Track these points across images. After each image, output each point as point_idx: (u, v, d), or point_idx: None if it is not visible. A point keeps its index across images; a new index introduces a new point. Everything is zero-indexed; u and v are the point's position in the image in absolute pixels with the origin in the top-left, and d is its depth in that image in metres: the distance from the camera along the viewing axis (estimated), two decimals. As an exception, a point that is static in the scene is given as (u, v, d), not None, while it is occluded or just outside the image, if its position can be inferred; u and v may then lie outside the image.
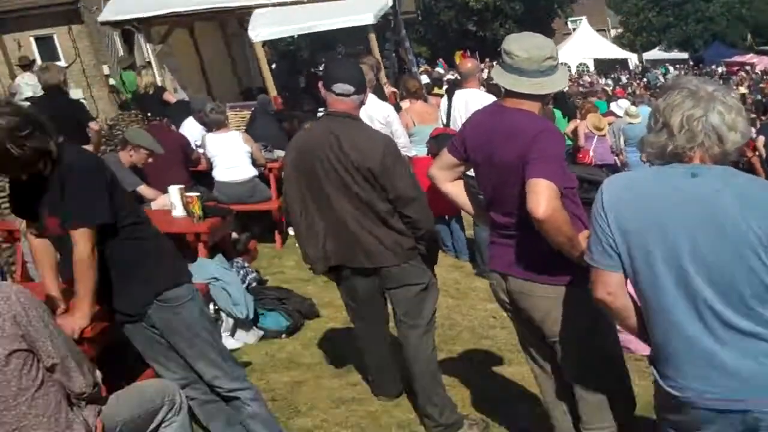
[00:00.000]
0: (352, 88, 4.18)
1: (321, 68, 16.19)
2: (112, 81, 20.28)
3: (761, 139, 12.70)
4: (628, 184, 2.59)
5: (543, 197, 3.07)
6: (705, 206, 2.38)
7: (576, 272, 3.16)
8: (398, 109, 9.34)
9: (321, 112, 11.56)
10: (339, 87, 4.18)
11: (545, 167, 3.15)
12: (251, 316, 5.93)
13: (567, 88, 13.59)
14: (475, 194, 3.81)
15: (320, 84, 4.32)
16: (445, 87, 14.57)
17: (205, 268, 5.84)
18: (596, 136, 11.94)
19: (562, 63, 3.65)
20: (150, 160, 7.15)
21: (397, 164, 4.16)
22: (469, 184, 3.84)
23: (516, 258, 3.48)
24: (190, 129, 9.42)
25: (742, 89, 28.71)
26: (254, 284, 6.58)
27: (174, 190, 6.53)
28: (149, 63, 14.13)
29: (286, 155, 4.53)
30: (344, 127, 4.17)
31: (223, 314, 5.77)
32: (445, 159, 3.71)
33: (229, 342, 5.52)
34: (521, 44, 3.39)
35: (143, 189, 7.23)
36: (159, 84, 12.76)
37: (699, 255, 2.39)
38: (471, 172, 3.74)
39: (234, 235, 7.88)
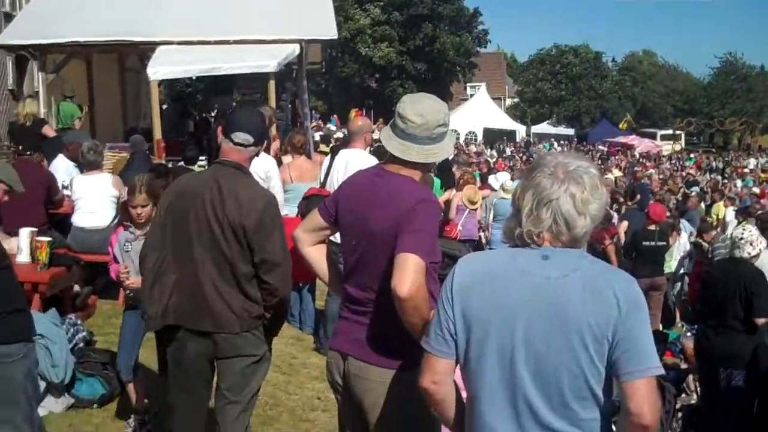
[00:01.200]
0: (252, 139, 4.09)
1: (213, 113, 16.04)
2: (-8, 108, 19.55)
3: (624, 224, 12.85)
4: (481, 265, 2.56)
5: (409, 275, 3.01)
6: (550, 291, 2.37)
7: (417, 356, 3.10)
8: (279, 163, 9.24)
9: (202, 160, 11.45)
10: (239, 136, 4.08)
11: (417, 241, 3.10)
12: (66, 381, 5.65)
13: (452, 156, 13.67)
14: (335, 262, 3.73)
15: (219, 129, 4.21)
16: (332, 145, 14.57)
17: (37, 323, 5.54)
18: (467, 210, 11.61)
19: (451, 129, 3.63)
20: (6, 198, 6.82)
21: (275, 227, 4.05)
22: (331, 251, 3.77)
23: (362, 337, 3.38)
24: (59, 166, 9.10)
25: (617, 172, 29.84)
26: (81, 345, 6.28)
27: (25, 233, 6.25)
28: (37, 92, 13.70)
29: (163, 198, 4.36)
30: (230, 177, 4.05)
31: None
32: (313, 220, 3.61)
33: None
34: (416, 108, 3.35)
35: None
36: (42, 116, 12.33)
37: (531, 342, 2.37)
38: (334, 238, 3.67)
39: (76, 287, 7.53)
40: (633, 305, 2.36)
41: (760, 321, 6.54)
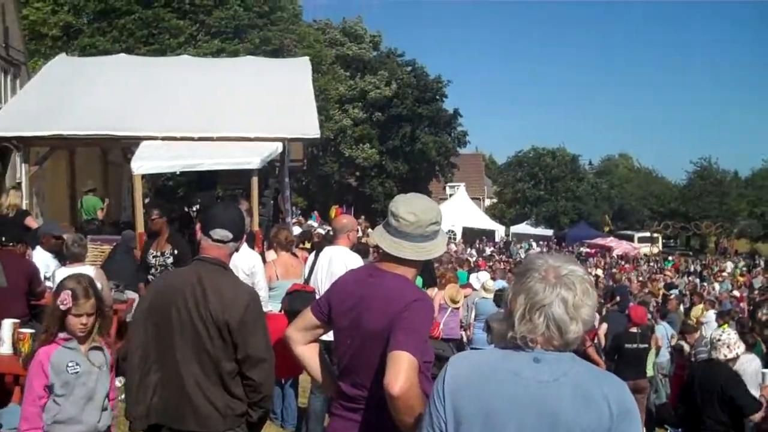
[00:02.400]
0: (230, 235, 4.10)
1: (195, 208, 16.05)
2: (-26, 199, 19.50)
3: (604, 326, 12.87)
4: (472, 365, 2.55)
5: (402, 373, 3.00)
6: (541, 395, 2.36)
7: None
8: (262, 259, 9.23)
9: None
10: (217, 233, 4.09)
11: (410, 340, 3.10)
12: None
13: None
14: (326, 362, 3.71)
15: (198, 226, 4.22)
16: (313, 241, 14.58)
17: (15, 416, 5.38)
18: (450, 309, 11.56)
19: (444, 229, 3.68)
20: None
21: (258, 323, 4.03)
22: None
23: None
24: (38, 258, 9.06)
25: (599, 271, 30.06)
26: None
27: (7, 324, 6.16)
28: (20, 184, 13.72)
29: (144, 297, 4.37)
30: (212, 275, 4.04)
31: None
32: (306, 319, 3.62)
33: None
34: (409, 207, 3.40)
35: None
36: (24, 207, 12.32)
37: None
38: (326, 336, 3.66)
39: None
40: (625, 410, 2.36)
41: (756, 417, 6.54)
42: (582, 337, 2.54)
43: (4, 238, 8.87)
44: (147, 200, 16.62)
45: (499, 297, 11.71)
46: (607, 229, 54.88)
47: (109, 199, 15.12)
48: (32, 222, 11.67)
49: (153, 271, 8.58)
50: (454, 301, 11.57)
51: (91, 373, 4.40)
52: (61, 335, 4.39)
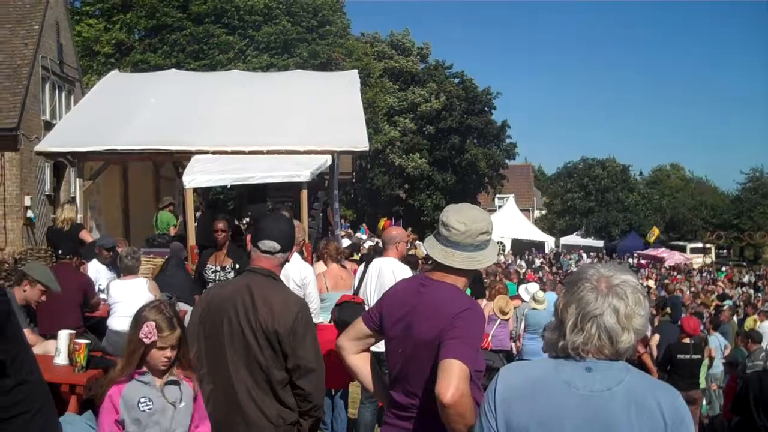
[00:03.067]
0: (278, 246, 4.14)
1: (245, 221, 16.21)
2: (30, 213, 19.98)
3: (656, 337, 12.72)
4: (524, 376, 2.54)
5: (453, 380, 3.02)
6: (594, 405, 2.36)
7: None
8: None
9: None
10: (265, 244, 4.14)
11: (462, 348, 3.12)
12: None
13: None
14: (377, 371, 3.75)
15: (248, 238, 4.29)
16: (362, 253, 14.63)
17: (71, 426, 5.47)
18: (499, 320, 11.39)
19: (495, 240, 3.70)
20: (44, 298, 6.90)
21: (308, 332, 4.06)
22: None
23: None
24: (94, 270, 9.22)
25: (651, 282, 29.63)
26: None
27: (64, 335, 6.27)
28: (74, 198, 13.99)
29: (195, 308, 4.40)
30: (261, 285, 4.09)
31: None
32: (357, 329, 3.66)
33: None
34: (460, 217, 3.43)
35: (25, 333, 6.88)
36: (79, 221, 12.57)
37: None
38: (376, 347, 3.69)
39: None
40: (679, 419, 2.35)
41: None
42: (634, 346, 2.52)
43: (60, 252, 9.08)
44: (198, 213, 16.86)
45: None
46: (652, 239, 53.94)
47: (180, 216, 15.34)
48: (87, 235, 11.89)
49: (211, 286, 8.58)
50: (503, 312, 11.46)
51: (166, 411, 3.86)
52: (142, 370, 3.88)
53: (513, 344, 12.98)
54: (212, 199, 19.40)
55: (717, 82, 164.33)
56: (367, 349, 3.71)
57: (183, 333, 3.91)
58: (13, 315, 3.44)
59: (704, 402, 12.37)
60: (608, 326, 2.41)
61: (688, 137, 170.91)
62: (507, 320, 11.66)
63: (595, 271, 2.52)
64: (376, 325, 3.58)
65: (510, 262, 34.47)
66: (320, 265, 9.24)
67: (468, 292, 11.28)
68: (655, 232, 54.67)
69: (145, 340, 3.77)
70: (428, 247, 3.53)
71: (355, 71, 19.38)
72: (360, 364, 3.69)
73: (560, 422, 2.37)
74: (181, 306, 8.49)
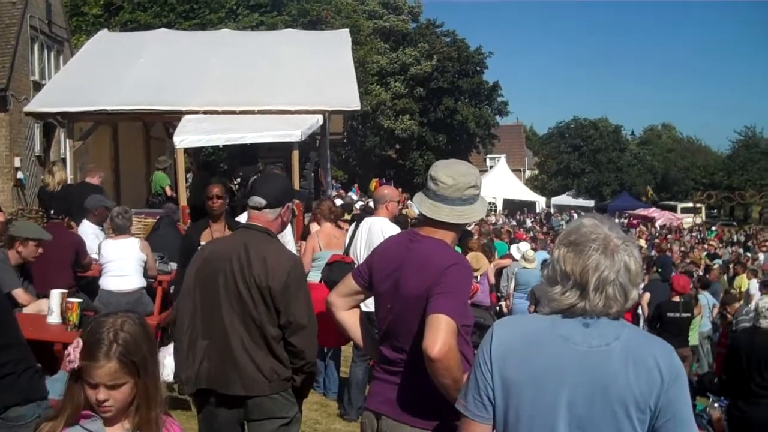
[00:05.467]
0: (263, 202, 4.18)
1: (237, 181, 16.18)
2: (20, 174, 19.88)
3: (647, 296, 12.81)
4: (520, 331, 2.54)
5: (441, 335, 3.04)
6: (592, 360, 2.38)
7: (450, 417, 3.08)
8: (307, 231, 9.28)
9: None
10: (252, 200, 4.21)
11: (449, 303, 3.14)
12: None
13: (473, 226, 13.69)
14: (367, 327, 3.77)
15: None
16: (353, 213, 14.64)
17: (60, 383, 5.50)
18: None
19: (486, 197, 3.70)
20: (40, 250, 6.90)
21: (300, 289, 4.10)
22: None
23: (395, 397, 3.41)
24: (86, 231, 9.20)
25: (642, 242, 29.76)
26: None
27: (56, 294, 6.27)
28: (64, 159, 13.94)
29: (192, 262, 4.41)
30: (256, 241, 4.14)
31: None
32: (347, 285, 3.68)
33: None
34: (448, 171, 3.44)
35: (18, 293, 6.82)
36: (70, 182, 12.51)
37: (574, 411, 2.36)
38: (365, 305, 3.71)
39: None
40: (674, 375, 2.37)
41: None
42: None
43: (52, 211, 9.07)
44: (189, 174, 16.82)
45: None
46: (646, 200, 54.02)
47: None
48: (95, 179, 11.68)
49: None
50: (473, 269, 11.47)
51: None
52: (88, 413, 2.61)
53: (503, 303, 13.08)
54: (204, 160, 19.32)
55: (709, 39, 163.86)
56: (357, 306, 3.74)
57: (144, 369, 2.59)
58: None
59: (694, 360, 12.50)
60: (623, 283, 2.42)
61: (680, 97, 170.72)
62: (480, 276, 11.62)
63: (593, 228, 2.49)
64: (365, 281, 3.60)
65: (501, 222, 34.48)
66: (315, 225, 9.25)
67: (458, 249, 11.32)
68: (648, 191, 54.74)
69: (66, 363, 2.63)
70: (417, 202, 3.54)
71: (347, 30, 19.26)
72: (350, 320, 3.72)
73: (558, 377, 2.38)
74: (173, 265, 8.52)
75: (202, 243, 7.56)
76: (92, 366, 2.51)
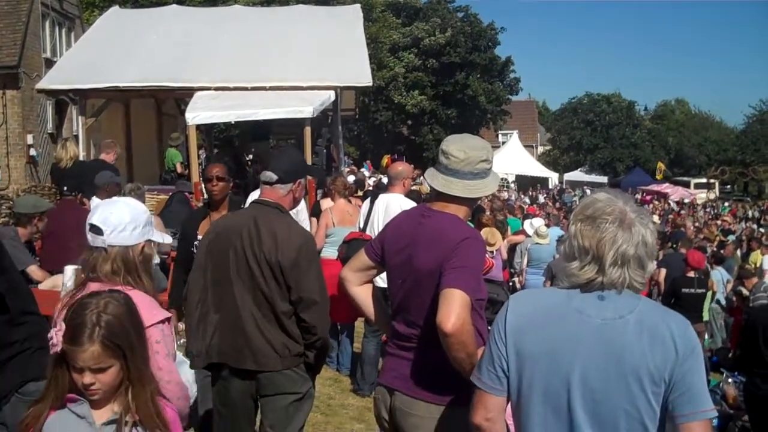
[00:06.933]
0: (275, 177, 4.18)
1: (249, 157, 16.18)
2: (33, 151, 19.90)
3: (663, 271, 12.78)
4: (535, 304, 2.55)
5: (455, 309, 3.03)
6: (607, 333, 2.37)
7: (464, 391, 3.08)
8: (318, 207, 9.26)
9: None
10: (264, 175, 4.21)
11: (462, 277, 3.13)
12: None
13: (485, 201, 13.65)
14: (380, 302, 3.76)
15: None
16: (366, 189, 14.63)
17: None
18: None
19: (498, 172, 3.67)
20: (46, 220, 6.93)
21: (312, 265, 4.09)
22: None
23: (408, 372, 3.41)
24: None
25: (655, 217, 29.65)
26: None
27: (70, 270, 6.23)
28: (76, 136, 13.95)
29: (203, 237, 4.43)
30: (268, 216, 4.13)
31: None
32: (360, 260, 3.67)
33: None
34: (459, 145, 3.42)
35: (32, 269, 6.92)
36: (82, 159, 12.51)
37: (588, 383, 2.36)
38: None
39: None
40: (690, 348, 2.36)
41: None
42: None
43: (66, 188, 9.07)
44: (201, 151, 16.82)
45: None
46: (660, 176, 53.61)
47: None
48: (110, 156, 11.64)
49: None
50: (489, 244, 11.50)
51: None
52: (74, 396, 2.56)
53: (516, 279, 13.08)
54: (223, 138, 19.23)
55: (723, 13, 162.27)
56: (370, 281, 3.72)
57: (130, 350, 2.53)
58: (3, 248, 3.46)
59: (707, 335, 12.48)
60: (641, 256, 2.42)
61: (694, 72, 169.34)
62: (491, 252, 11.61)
63: (608, 202, 2.48)
64: (378, 256, 3.59)
65: (513, 198, 34.40)
66: (328, 201, 9.24)
67: (471, 225, 11.31)
68: (661, 167, 54.32)
69: (50, 346, 2.70)
70: (428, 177, 3.51)
71: (358, 6, 19.16)
72: (363, 295, 3.70)
73: (573, 350, 2.39)
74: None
75: (200, 238, 6.61)
76: (75, 350, 2.45)
